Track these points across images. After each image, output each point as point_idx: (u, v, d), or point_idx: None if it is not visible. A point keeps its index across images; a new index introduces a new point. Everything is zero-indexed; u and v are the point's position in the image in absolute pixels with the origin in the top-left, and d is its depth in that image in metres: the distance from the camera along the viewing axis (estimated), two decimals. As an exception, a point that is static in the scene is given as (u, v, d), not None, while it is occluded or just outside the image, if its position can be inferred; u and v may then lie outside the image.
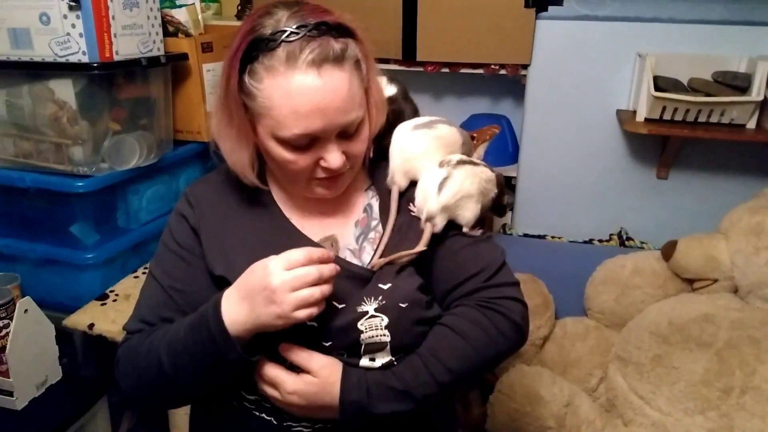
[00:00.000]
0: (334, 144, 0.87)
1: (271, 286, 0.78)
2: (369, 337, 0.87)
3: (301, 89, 0.81)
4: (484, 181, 0.98)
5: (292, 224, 0.96)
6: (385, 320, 0.87)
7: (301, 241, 0.93)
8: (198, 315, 0.85)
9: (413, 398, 0.85)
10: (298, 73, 0.81)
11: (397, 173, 0.98)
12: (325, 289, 0.80)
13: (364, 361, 0.88)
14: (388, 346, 0.88)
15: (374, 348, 0.87)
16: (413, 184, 0.98)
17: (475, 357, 0.87)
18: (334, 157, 0.87)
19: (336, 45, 0.83)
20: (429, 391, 0.85)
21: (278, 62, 0.81)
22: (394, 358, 0.88)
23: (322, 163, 0.88)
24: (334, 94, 0.83)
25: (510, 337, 0.89)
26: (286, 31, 0.81)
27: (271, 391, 0.87)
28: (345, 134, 0.88)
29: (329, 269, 0.81)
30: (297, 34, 0.81)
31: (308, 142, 0.86)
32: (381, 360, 0.88)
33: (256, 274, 0.81)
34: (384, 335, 0.87)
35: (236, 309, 0.81)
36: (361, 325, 0.87)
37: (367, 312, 0.87)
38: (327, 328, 0.87)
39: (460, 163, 0.97)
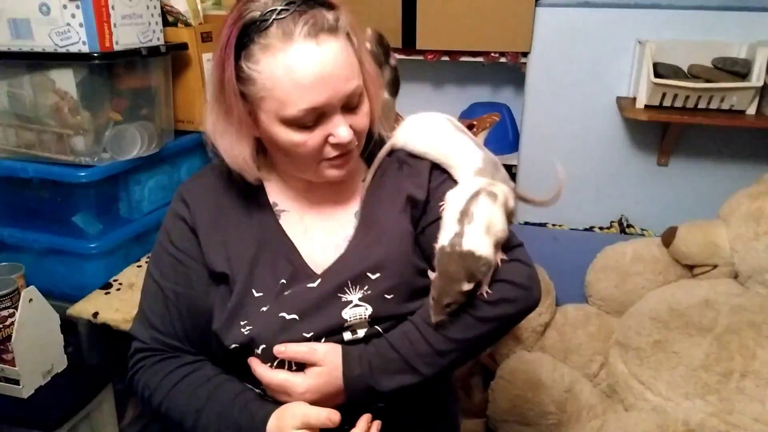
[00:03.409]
0: (341, 116, 0.86)
1: None
2: (351, 325, 0.88)
3: (302, 61, 0.81)
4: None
5: (278, 220, 0.96)
6: (369, 310, 0.88)
7: (286, 244, 0.94)
8: None
9: (414, 369, 0.85)
10: (295, 45, 0.81)
11: (399, 135, 1.00)
12: None
13: (347, 336, 0.88)
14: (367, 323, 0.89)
15: (355, 327, 0.89)
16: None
17: (479, 323, 0.86)
18: (342, 130, 0.86)
19: (329, 15, 0.83)
20: (430, 360, 0.85)
21: (274, 39, 0.81)
22: (378, 327, 0.89)
23: (331, 140, 0.87)
24: (335, 61, 0.83)
25: (515, 299, 0.88)
26: (276, 9, 0.81)
27: (283, 398, 0.87)
28: (348, 106, 0.87)
29: None
30: (287, 10, 0.81)
31: (315, 119, 0.85)
32: (362, 331, 0.89)
33: None
34: (369, 321, 0.88)
35: None
36: (345, 314, 0.87)
37: (351, 301, 0.88)
38: (309, 320, 0.87)
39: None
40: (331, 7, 0.85)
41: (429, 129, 1.01)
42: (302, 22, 0.81)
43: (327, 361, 0.85)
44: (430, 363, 0.86)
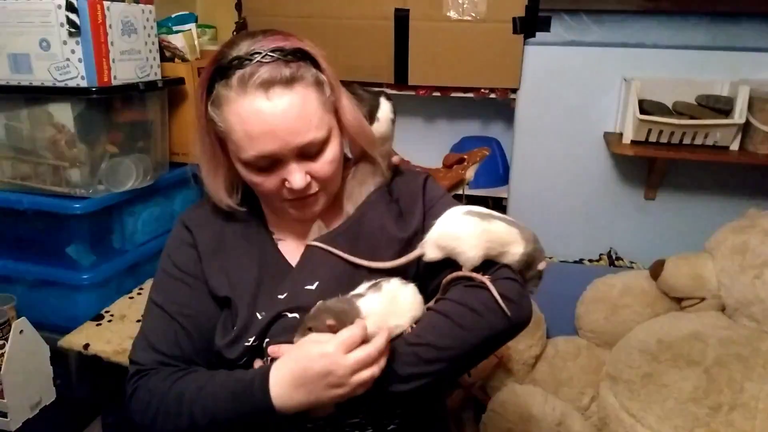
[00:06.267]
0: (295, 164, 0.89)
1: (336, 374, 0.78)
2: None
3: (251, 113, 0.85)
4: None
5: (277, 247, 0.99)
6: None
7: (286, 268, 0.97)
8: (242, 386, 0.83)
9: (398, 376, 0.84)
10: (248, 97, 0.85)
11: (428, 244, 0.94)
12: (382, 362, 0.81)
13: None
14: None
15: None
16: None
17: (466, 334, 0.85)
18: (295, 178, 0.89)
19: (286, 69, 0.85)
20: (414, 370, 0.84)
21: (232, 89, 0.85)
22: None
23: (287, 185, 0.90)
24: (284, 115, 0.85)
25: (502, 314, 0.86)
26: (240, 58, 0.85)
27: None
28: (306, 155, 0.90)
29: (383, 340, 0.81)
30: (250, 60, 0.85)
31: (270, 164, 0.89)
32: None
33: (315, 362, 0.79)
34: None
35: (290, 394, 0.80)
36: None
37: None
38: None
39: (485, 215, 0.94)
40: (300, 59, 0.87)
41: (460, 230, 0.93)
42: (257, 75, 0.84)
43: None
44: (414, 373, 0.84)
